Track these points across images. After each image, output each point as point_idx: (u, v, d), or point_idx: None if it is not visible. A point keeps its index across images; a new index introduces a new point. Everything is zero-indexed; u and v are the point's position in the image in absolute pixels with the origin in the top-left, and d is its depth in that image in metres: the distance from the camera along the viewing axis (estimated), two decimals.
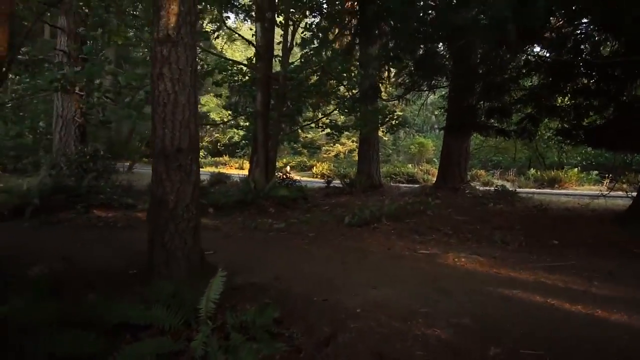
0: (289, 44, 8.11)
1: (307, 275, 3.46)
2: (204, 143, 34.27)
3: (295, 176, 10.56)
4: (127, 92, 7.91)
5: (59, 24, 8.22)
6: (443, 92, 11.60)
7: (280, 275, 3.31)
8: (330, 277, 3.39)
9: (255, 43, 8.09)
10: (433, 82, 7.71)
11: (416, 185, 13.08)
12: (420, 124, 29.34)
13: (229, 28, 9.24)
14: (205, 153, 34.50)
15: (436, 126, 25.25)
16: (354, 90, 10.26)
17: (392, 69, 8.68)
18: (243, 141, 13.70)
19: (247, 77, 9.42)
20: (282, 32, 8.25)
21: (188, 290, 2.33)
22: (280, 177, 9.24)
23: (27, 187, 7.13)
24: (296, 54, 11.67)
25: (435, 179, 10.95)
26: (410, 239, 5.12)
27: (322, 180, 13.65)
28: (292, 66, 9.69)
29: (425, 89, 8.12)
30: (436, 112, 22.37)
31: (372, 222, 5.67)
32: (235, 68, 9.33)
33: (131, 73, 8.52)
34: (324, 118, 12.09)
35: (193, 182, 2.91)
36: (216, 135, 34.23)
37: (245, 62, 9.30)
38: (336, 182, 12.47)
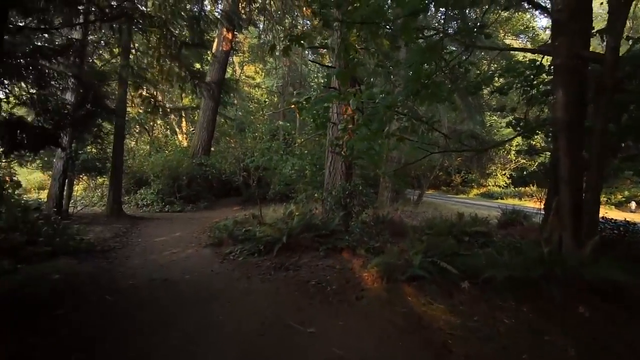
0: None
1: None
2: (505, 171, 29.96)
3: None
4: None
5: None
6: None
7: None
8: None
9: (550, 8, 4.81)
10: None
11: None
12: None
13: None
14: (507, 183, 29.99)
15: None
16: None
17: None
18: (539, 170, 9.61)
19: (542, 76, 6.07)
20: None
21: None
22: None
23: (290, 224, 7.25)
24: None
25: None
26: None
27: None
28: None
29: None
30: None
31: None
32: (522, 61, 6.20)
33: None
34: None
35: None
36: (522, 160, 29.08)
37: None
38: None
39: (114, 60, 11.17)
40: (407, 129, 7.33)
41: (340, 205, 7.65)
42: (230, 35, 17.35)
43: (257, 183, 10.22)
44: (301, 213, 8.20)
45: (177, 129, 25.30)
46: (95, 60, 12.21)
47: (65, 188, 10.00)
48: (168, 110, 21.15)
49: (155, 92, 22.08)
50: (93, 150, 10.67)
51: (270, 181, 12.29)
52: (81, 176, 11.03)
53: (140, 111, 21.33)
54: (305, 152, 9.37)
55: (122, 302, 3.67)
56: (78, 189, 18.41)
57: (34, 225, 6.05)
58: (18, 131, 3.76)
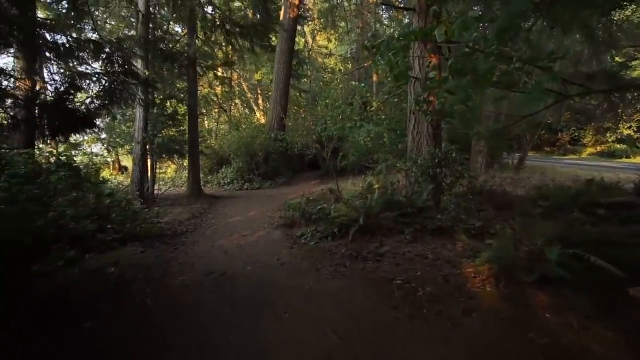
0: None
1: None
2: (631, 123, 24.32)
3: None
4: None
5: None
6: None
7: None
8: None
9: None
10: None
11: None
12: None
13: None
14: (635, 138, 24.43)
15: None
16: None
17: None
18: None
19: None
20: None
21: None
22: None
23: (369, 200, 6.21)
24: None
25: None
26: None
27: None
28: None
29: None
30: None
31: None
32: None
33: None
34: None
35: None
36: None
37: None
38: None
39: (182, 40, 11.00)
40: (515, 73, 5.62)
41: (428, 176, 6.32)
42: (297, 0, 16.30)
43: (333, 155, 9.30)
44: (381, 187, 7.11)
45: (254, 107, 25.56)
46: (168, 44, 12.18)
47: (149, 171, 10.30)
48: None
49: (231, 72, 22.28)
50: (170, 132, 10.77)
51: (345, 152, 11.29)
52: (163, 158, 11.27)
53: (217, 91, 21.81)
54: (382, 116, 8.10)
55: (162, 309, 3.09)
56: (169, 170, 19.58)
57: (107, 212, 5.97)
58: (48, 114, 3.35)
